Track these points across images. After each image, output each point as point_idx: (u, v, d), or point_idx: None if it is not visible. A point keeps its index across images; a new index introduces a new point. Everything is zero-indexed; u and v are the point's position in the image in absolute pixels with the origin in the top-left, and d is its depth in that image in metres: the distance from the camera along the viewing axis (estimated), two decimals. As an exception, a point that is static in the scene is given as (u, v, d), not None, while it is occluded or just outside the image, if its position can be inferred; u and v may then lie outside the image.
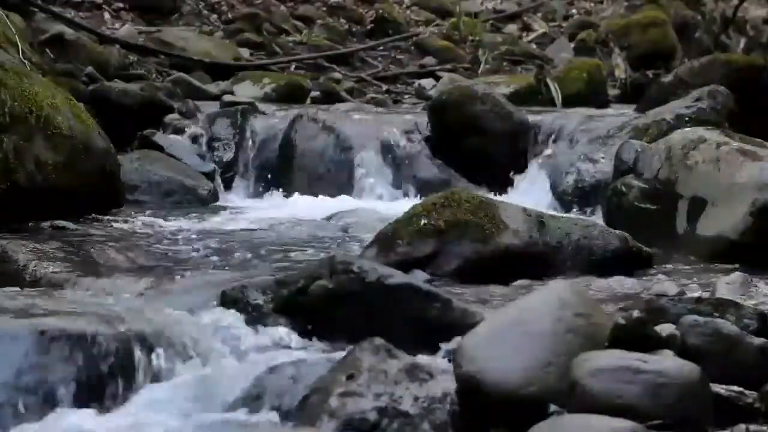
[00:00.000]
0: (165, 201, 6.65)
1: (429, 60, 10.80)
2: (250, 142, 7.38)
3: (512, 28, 12.38)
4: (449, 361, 3.14)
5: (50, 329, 3.14)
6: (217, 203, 6.86)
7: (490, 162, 7.10)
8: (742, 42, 10.95)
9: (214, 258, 5.03)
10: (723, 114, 6.56)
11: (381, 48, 11.13)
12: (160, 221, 5.89)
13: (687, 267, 4.89)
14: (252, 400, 3.09)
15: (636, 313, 3.06)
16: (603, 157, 6.55)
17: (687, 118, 6.51)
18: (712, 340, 3.06)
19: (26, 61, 6.92)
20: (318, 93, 9.13)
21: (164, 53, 9.61)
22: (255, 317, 3.59)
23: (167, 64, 9.45)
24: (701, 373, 2.82)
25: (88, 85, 7.85)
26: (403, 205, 5.77)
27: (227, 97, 8.18)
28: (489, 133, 7.19)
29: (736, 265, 4.60)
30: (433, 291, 3.59)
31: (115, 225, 5.76)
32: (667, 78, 7.85)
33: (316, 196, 6.97)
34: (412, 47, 11.22)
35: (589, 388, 2.77)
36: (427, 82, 10.02)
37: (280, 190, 7.17)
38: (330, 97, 9.02)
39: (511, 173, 7.01)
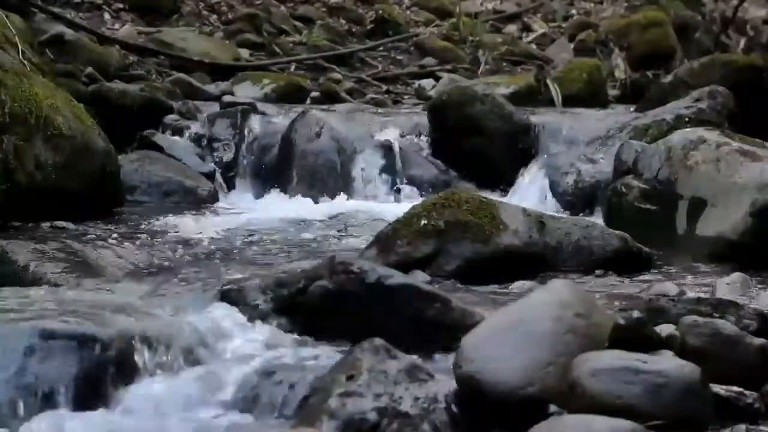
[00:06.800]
0: (165, 201, 6.65)
1: (429, 60, 10.80)
2: (250, 143, 7.37)
3: (512, 28, 12.39)
4: (449, 361, 3.13)
5: (50, 329, 3.14)
6: (217, 204, 6.86)
7: (490, 162, 7.10)
8: (742, 42, 10.96)
9: (214, 258, 5.03)
10: (723, 114, 6.56)
11: (381, 48, 11.13)
12: (160, 221, 5.89)
13: (687, 267, 4.89)
14: (251, 400, 3.09)
15: (636, 313, 3.06)
16: (603, 158, 6.55)
17: (687, 118, 6.52)
18: (712, 340, 3.06)
19: (26, 62, 6.91)
20: (318, 93, 9.13)
21: (164, 53, 9.61)
22: (255, 317, 3.58)
23: (167, 65, 9.44)
24: (701, 373, 2.82)
25: (88, 86, 7.84)
26: (402, 205, 5.77)
27: (227, 98, 8.18)
28: (489, 133, 7.19)
29: (736, 266, 4.59)
30: (433, 291, 3.58)
31: (115, 225, 5.76)
32: (667, 78, 7.85)
33: (316, 196, 6.97)
34: (412, 48, 11.22)
35: (589, 388, 2.76)
36: (427, 83, 10.02)
37: (280, 190, 7.16)
38: (330, 98, 9.02)
39: (511, 173, 7.00)
